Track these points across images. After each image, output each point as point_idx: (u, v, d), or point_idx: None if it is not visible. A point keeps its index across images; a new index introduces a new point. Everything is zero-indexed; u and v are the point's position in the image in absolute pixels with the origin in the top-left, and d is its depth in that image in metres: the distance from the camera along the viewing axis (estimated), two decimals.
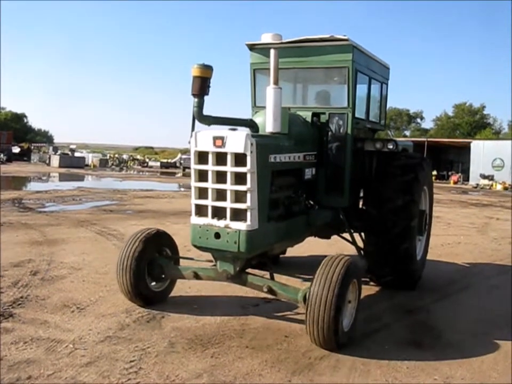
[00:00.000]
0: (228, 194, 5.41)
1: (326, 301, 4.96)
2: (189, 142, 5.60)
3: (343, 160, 7.13)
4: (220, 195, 5.50)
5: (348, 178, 7.16)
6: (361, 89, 7.49)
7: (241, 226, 5.35)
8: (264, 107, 6.46)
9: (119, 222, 13.10)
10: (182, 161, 48.79)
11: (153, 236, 6.44)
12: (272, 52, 6.10)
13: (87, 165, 48.42)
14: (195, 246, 5.74)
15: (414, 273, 7.64)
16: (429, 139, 50.06)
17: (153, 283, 6.47)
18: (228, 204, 5.42)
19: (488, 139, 52.36)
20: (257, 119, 6.49)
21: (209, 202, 5.54)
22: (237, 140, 5.28)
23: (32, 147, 61.92)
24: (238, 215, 5.42)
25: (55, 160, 45.21)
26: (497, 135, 70.88)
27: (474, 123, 73.85)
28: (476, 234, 14.17)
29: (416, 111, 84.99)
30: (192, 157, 5.58)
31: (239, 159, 5.32)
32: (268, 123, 6.07)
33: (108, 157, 58.69)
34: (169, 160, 58.08)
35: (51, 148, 58.00)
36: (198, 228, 5.61)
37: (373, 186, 7.57)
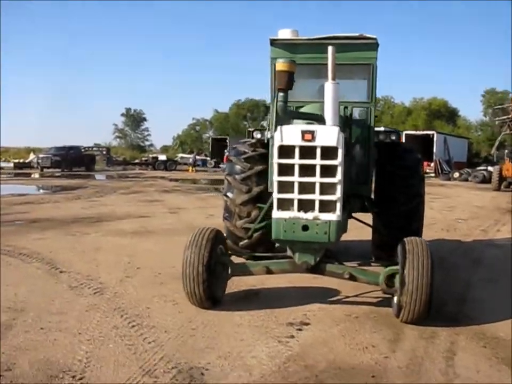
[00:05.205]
0: (317, 187, 5.29)
1: (423, 283, 5.17)
2: (271, 137, 5.58)
3: (367, 151, 7.26)
4: (304, 188, 5.34)
5: (372, 168, 7.38)
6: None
7: (331, 217, 5.35)
8: None
9: (16, 237, 10.42)
10: (39, 161, 44.59)
11: (215, 234, 5.95)
12: (330, 49, 5.76)
13: None
14: (278, 240, 5.66)
15: None
16: None
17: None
18: (317, 196, 5.34)
19: None
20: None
21: (295, 195, 5.38)
22: (329, 134, 5.28)
23: None
24: (326, 206, 5.37)
25: None
26: None
27: None
28: None
29: None
30: (275, 151, 5.39)
31: (327, 152, 5.24)
32: (327, 116, 5.73)
33: None
34: (23, 160, 52.85)
35: None
36: (283, 222, 5.43)
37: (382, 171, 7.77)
